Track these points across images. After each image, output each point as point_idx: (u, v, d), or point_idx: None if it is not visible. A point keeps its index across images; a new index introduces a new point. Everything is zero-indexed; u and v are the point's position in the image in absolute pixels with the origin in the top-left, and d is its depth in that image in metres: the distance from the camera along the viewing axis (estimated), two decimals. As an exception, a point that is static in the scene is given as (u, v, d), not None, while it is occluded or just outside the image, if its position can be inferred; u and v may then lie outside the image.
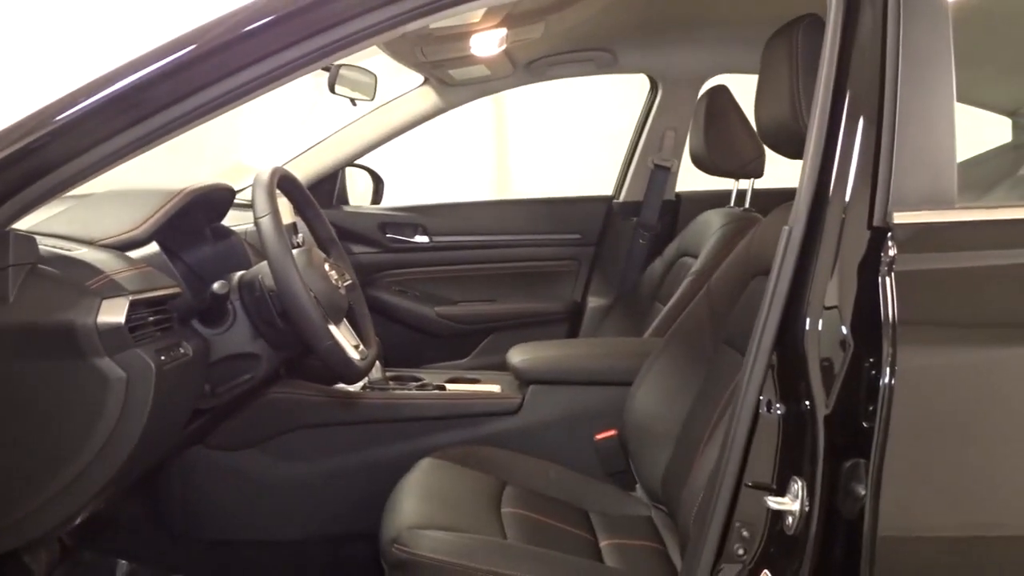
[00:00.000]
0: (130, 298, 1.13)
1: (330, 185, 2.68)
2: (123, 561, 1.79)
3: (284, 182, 1.51)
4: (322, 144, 2.59)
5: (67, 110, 1.05)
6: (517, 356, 1.92)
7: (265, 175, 1.40)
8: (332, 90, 1.93)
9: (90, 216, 1.33)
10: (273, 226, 1.31)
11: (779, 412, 1.01)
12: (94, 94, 1.05)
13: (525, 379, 1.90)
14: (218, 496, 1.78)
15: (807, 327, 0.98)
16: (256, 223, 1.32)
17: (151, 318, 1.20)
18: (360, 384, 1.89)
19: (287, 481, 1.79)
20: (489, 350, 2.70)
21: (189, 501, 1.78)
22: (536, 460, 1.75)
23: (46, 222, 1.29)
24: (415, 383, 1.94)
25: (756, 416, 1.03)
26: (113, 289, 1.13)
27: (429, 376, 2.05)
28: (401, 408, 1.83)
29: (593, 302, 2.77)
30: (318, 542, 1.81)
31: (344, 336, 1.47)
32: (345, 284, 1.58)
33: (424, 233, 2.74)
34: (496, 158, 4.21)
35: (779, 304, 1.00)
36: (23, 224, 1.28)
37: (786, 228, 0.99)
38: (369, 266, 2.72)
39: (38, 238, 1.22)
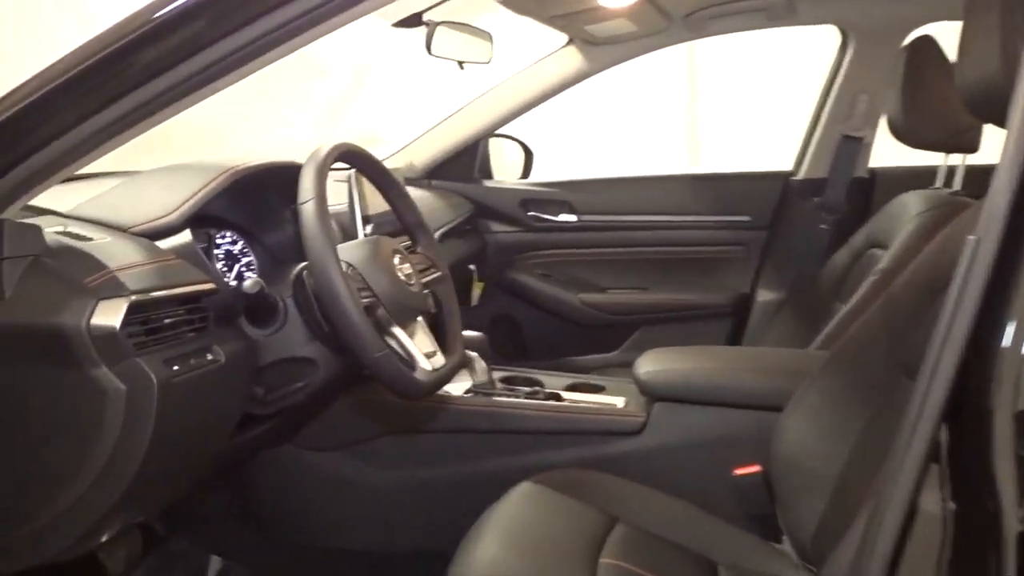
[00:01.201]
0: (131, 299, 0.97)
1: (469, 157, 2.47)
2: (216, 557, 1.70)
3: (355, 160, 1.30)
4: (460, 113, 2.38)
5: (49, 83, 0.89)
6: (645, 365, 1.62)
7: (322, 151, 1.19)
8: (429, 51, 1.70)
9: (129, 197, 1.19)
10: (316, 213, 1.11)
11: (947, 507, 0.68)
12: (76, 63, 0.88)
13: (652, 394, 1.60)
14: (303, 497, 1.64)
15: (996, 378, 0.64)
16: (298, 209, 1.13)
17: (168, 319, 1.03)
18: (463, 388, 1.67)
19: (374, 488, 1.62)
20: (638, 345, 2.40)
21: (275, 499, 1.65)
22: (658, 493, 1.45)
23: (83, 205, 1.17)
24: (527, 389, 1.69)
25: (912, 509, 0.70)
26: (113, 288, 0.97)
27: (547, 379, 1.79)
28: (504, 418, 1.59)
29: (763, 296, 2.39)
30: (402, 556, 1.63)
31: (415, 341, 1.25)
32: (428, 278, 1.36)
33: (570, 211, 2.47)
34: (654, 128, 3.81)
35: (958, 339, 0.66)
36: (59, 205, 1.18)
37: (984, 213, 0.65)
38: (510, 246, 2.49)
39: (63, 225, 1.10)
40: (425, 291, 1.35)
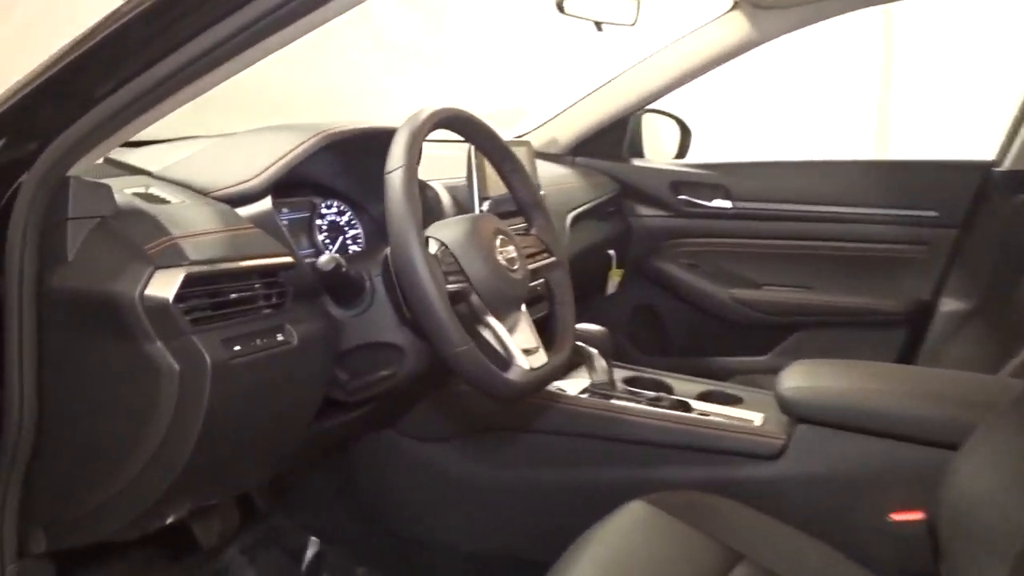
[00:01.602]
0: (188, 269, 0.88)
1: (618, 133, 2.28)
2: (315, 539, 1.64)
3: (462, 126, 1.16)
4: (610, 85, 2.19)
5: (107, 28, 0.81)
6: (791, 379, 1.39)
7: (421, 115, 1.06)
8: (561, 8, 1.52)
9: (217, 159, 1.11)
10: (402, 184, 0.98)
11: None
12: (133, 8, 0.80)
13: (796, 414, 1.37)
14: (401, 486, 1.55)
15: None
16: (385, 178, 1.00)
17: (236, 294, 0.94)
18: (580, 386, 1.52)
19: (475, 485, 1.50)
20: (793, 351, 2.14)
21: (374, 486, 1.57)
22: (793, 531, 1.24)
23: (172, 166, 1.10)
24: (651, 394, 1.51)
25: None
26: (173, 256, 0.89)
27: (677, 383, 1.60)
28: (620, 425, 1.42)
29: (947, 305, 2.05)
30: (497, 558, 1.50)
31: (515, 335, 1.10)
32: (537, 263, 1.21)
33: (726, 196, 2.23)
34: (835, 108, 3.40)
35: None
36: (155, 164, 1.12)
37: None
38: (656, 232, 2.29)
39: (146, 186, 1.03)
40: (535, 279, 1.20)
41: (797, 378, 1.38)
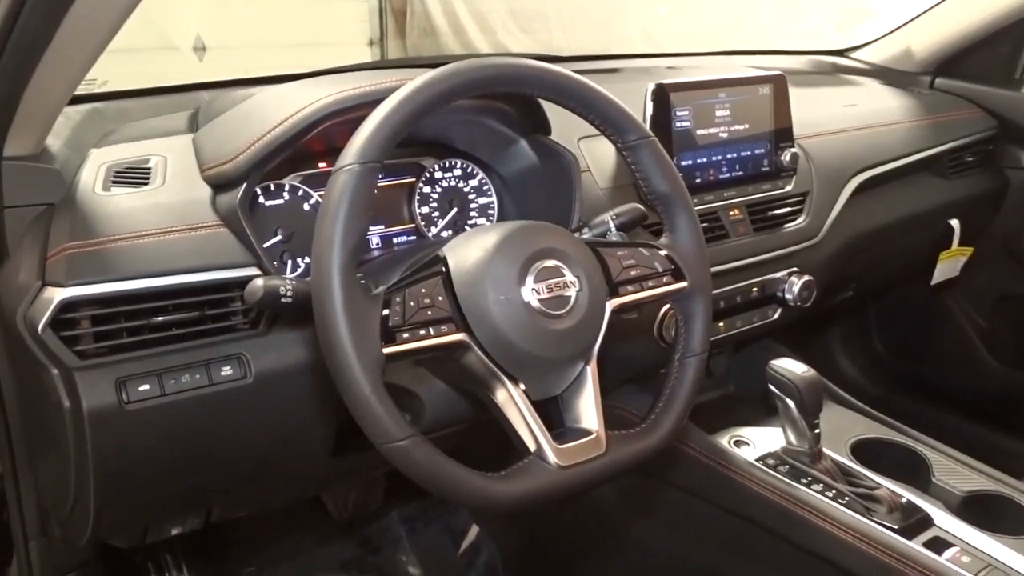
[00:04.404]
0: (73, 290, 0.70)
1: (1008, 49, 1.56)
2: (478, 528, 1.46)
3: (526, 84, 0.78)
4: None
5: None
6: None
7: (431, 81, 0.71)
8: None
9: (238, 119, 0.88)
10: (348, 188, 0.67)
11: None
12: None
13: None
14: (563, 512, 1.28)
15: None
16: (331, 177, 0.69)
17: (162, 318, 0.74)
18: (768, 448, 1.06)
19: (627, 534, 1.16)
20: None
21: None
22: None
23: (213, 124, 0.91)
24: (874, 484, 1.00)
25: None
26: (63, 271, 0.71)
27: (946, 467, 1.04)
28: (804, 531, 0.95)
29: None
30: None
31: (555, 407, 0.75)
32: (646, 292, 0.81)
33: None
34: None
35: None
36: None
37: None
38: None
39: (149, 159, 0.86)
40: (641, 314, 0.81)
41: None
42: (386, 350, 0.66)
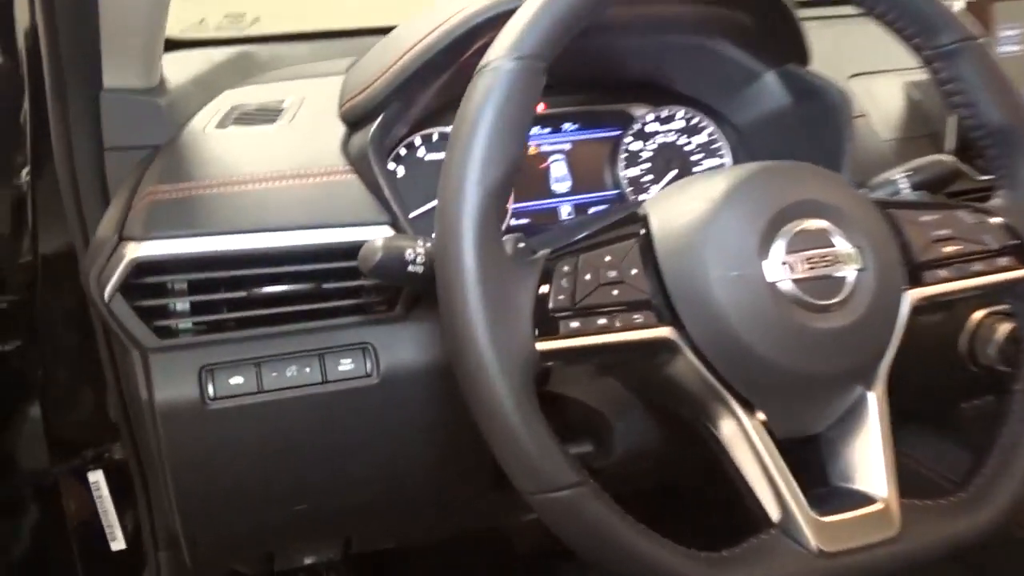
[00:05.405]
0: (146, 248, 0.54)
1: None
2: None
3: None
4: None
5: None
6: None
7: None
8: None
9: (382, 46, 0.68)
10: (496, 98, 0.44)
11: None
12: None
13: None
14: None
15: None
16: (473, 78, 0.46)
17: (268, 289, 0.56)
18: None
19: None
20: None
21: None
22: None
23: (358, 63, 0.73)
24: None
25: None
26: (145, 222, 0.55)
27: None
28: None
29: None
30: None
31: (816, 455, 0.48)
32: (979, 280, 0.51)
33: None
34: None
35: None
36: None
37: None
38: None
39: (292, 95, 0.70)
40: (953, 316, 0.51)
41: None
42: (541, 345, 0.43)
